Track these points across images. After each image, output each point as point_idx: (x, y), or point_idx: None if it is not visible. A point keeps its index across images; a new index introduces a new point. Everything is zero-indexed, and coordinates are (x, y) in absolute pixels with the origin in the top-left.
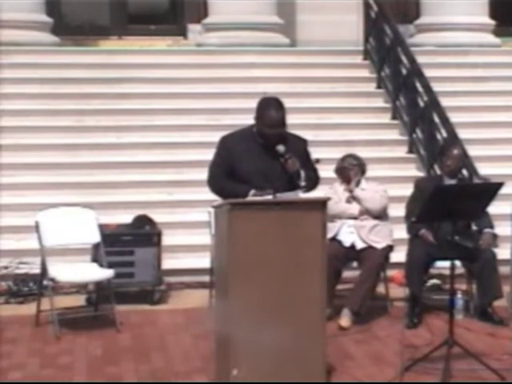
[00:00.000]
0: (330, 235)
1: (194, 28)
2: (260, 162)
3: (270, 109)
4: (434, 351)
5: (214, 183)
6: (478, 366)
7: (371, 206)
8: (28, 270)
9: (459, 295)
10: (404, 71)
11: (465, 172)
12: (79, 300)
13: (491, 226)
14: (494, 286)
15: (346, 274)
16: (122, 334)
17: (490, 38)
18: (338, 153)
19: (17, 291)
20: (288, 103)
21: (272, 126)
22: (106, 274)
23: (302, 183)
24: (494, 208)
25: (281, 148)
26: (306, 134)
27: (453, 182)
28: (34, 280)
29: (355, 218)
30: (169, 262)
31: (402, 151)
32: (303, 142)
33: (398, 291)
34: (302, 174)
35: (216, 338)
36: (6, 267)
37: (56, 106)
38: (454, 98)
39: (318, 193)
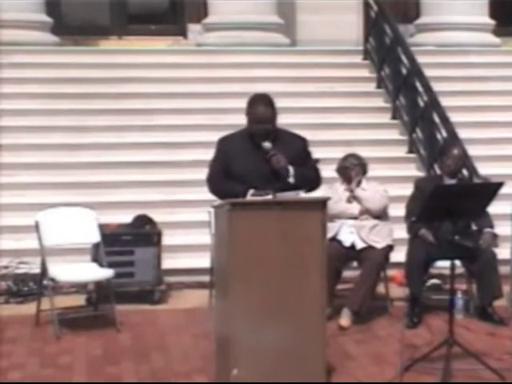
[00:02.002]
0: (329, 235)
1: (194, 28)
2: (252, 162)
3: (258, 105)
4: (434, 351)
5: (213, 182)
6: (478, 366)
7: (371, 205)
8: (28, 269)
9: (459, 295)
10: (404, 71)
11: (465, 172)
12: (79, 300)
13: (491, 226)
14: (494, 286)
15: (346, 273)
16: (122, 334)
17: (490, 38)
18: (337, 153)
19: (17, 291)
20: (288, 103)
21: (258, 122)
22: (106, 273)
23: (291, 179)
24: (494, 208)
25: (266, 145)
26: (305, 133)
27: (453, 181)
28: (33, 280)
29: (355, 217)
30: (169, 262)
31: (401, 151)
32: (302, 141)
33: (398, 291)
34: (291, 170)
35: (216, 338)
36: (5, 267)
37: (56, 106)
38: (453, 98)
39: (317, 192)
